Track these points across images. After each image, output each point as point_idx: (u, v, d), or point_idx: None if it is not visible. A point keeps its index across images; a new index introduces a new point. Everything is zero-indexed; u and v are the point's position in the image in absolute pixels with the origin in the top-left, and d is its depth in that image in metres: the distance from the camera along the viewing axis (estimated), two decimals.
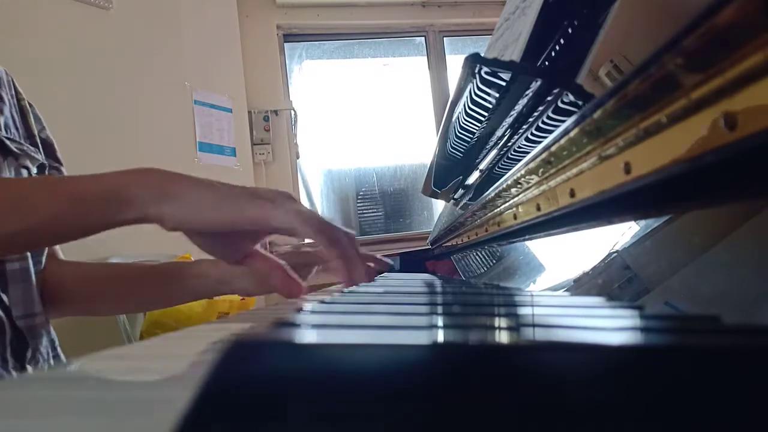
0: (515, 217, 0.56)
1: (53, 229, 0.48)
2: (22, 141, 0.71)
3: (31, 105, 0.79)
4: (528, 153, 0.45)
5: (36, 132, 0.77)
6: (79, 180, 0.49)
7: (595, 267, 0.46)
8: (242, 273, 0.69)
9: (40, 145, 0.76)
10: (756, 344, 0.13)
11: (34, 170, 0.70)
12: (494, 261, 0.85)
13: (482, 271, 0.92)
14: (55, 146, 0.80)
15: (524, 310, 0.35)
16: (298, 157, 3.10)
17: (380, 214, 3.25)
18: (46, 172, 0.74)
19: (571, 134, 0.35)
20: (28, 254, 0.69)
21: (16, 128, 0.73)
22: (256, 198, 0.46)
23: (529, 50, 0.53)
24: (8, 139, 0.68)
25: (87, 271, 0.77)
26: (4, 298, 0.65)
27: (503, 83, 0.55)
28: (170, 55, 2.48)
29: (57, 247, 0.79)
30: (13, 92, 0.77)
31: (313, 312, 0.33)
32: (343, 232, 0.49)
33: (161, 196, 0.46)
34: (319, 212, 3.57)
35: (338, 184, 3.25)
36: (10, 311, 0.65)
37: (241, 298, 2.13)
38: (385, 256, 0.79)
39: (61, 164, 0.79)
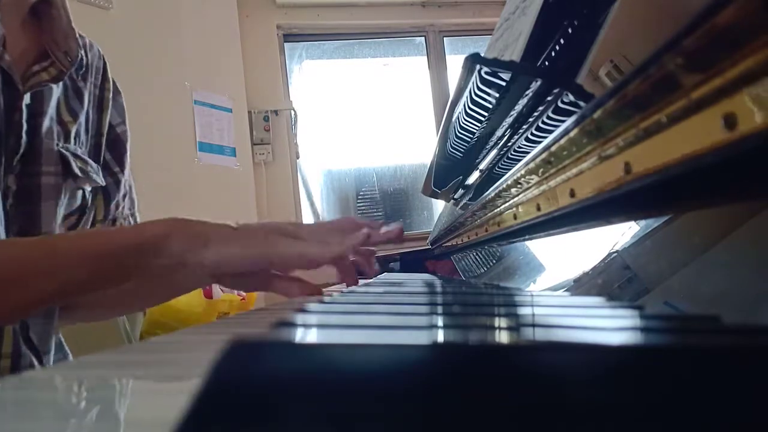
0: (515, 217, 0.56)
1: (87, 286, 0.49)
2: (86, 154, 0.67)
3: (118, 93, 0.75)
4: (528, 153, 0.45)
5: (106, 131, 0.72)
6: (111, 236, 0.51)
7: (595, 267, 0.46)
8: None
9: (103, 146, 0.72)
10: (756, 344, 0.13)
11: (88, 189, 0.68)
12: (494, 261, 0.85)
13: (482, 271, 0.92)
14: (127, 146, 0.76)
15: (524, 310, 0.35)
16: (298, 157, 3.09)
17: (380, 214, 3.25)
18: (90, 195, 0.69)
19: (571, 134, 0.35)
20: None
21: (87, 131, 0.69)
22: (283, 236, 0.51)
23: (529, 50, 0.53)
24: (75, 156, 0.65)
25: None
26: (33, 338, 0.60)
27: (503, 83, 0.55)
28: (170, 55, 2.48)
29: None
30: (99, 80, 0.72)
31: (313, 312, 0.33)
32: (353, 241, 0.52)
33: (200, 246, 0.48)
34: (320, 213, 3.53)
35: (338, 184, 3.25)
36: (38, 352, 0.61)
37: (241, 298, 2.13)
38: (385, 256, 0.79)
39: (123, 169, 0.75)
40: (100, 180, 0.69)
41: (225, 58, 2.81)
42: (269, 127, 2.99)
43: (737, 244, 0.28)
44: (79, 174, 0.65)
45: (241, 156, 2.81)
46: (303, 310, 0.33)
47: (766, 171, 0.22)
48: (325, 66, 3.28)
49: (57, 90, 0.64)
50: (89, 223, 0.71)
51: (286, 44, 3.19)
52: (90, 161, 0.68)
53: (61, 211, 0.63)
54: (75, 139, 0.66)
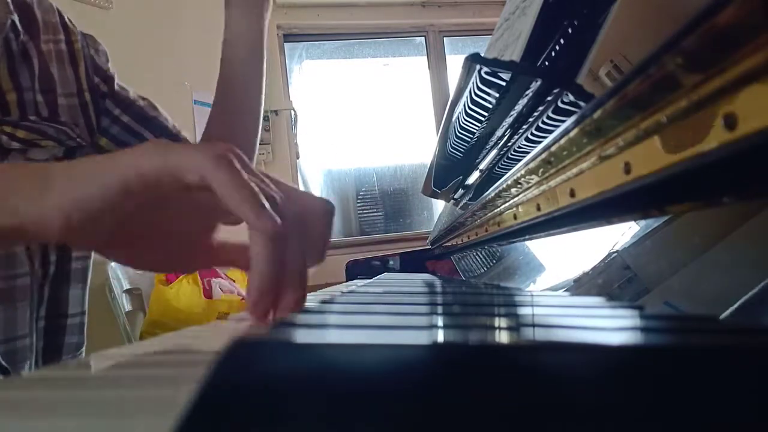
0: (515, 217, 0.56)
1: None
2: (51, 119, 0.61)
3: (96, 43, 0.69)
4: (528, 153, 0.45)
5: (86, 86, 0.67)
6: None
7: (595, 267, 0.46)
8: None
9: (90, 103, 0.66)
10: (756, 344, 0.13)
11: (43, 157, 0.59)
12: (494, 261, 0.85)
13: (482, 271, 0.92)
14: (115, 82, 0.71)
15: (524, 310, 0.35)
16: (298, 157, 3.09)
17: (380, 214, 3.24)
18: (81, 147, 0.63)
19: (571, 134, 0.35)
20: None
21: (51, 90, 0.63)
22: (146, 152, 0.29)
23: (529, 50, 0.53)
24: (15, 126, 0.57)
25: None
26: None
27: (503, 83, 0.55)
28: (170, 55, 2.48)
29: None
30: (60, 35, 0.66)
31: (313, 312, 0.33)
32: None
33: (37, 190, 0.30)
34: None
35: (338, 184, 3.24)
36: None
37: (241, 298, 2.13)
38: (385, 256, 0.78)
39: (143, 100, 0.72)
40: (73, 141, 0.63)
41: None
42: (269, 127, 2.98)
43: (737, 244, 0.28)
44: (18, 146, 0.57)
45: None
46: (303, 310, 0.33)
47: (766, 171, 0.22)
48: (325, 66, 3.28)
49: None
50: None
51: (286, 44, 3.18)
52: (51, 126, 0.61)
53: None
54: (21, 106, 0.59)
